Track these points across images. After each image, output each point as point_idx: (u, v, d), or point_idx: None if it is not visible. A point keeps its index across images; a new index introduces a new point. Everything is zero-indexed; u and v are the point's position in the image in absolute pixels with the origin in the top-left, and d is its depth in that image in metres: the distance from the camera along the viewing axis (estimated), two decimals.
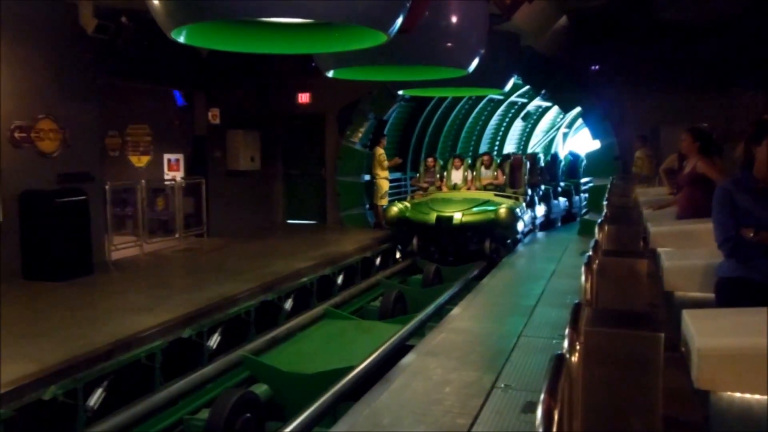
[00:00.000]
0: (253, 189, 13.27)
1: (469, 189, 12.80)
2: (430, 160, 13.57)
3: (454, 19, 6.74)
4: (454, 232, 11.05)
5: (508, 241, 11.30)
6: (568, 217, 15.06)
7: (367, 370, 5.85)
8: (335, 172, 13.58)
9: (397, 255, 11.80)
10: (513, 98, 18.33)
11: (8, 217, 8.00)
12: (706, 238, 3.84)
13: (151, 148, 12.66)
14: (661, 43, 11.27)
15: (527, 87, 15.79)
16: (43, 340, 5.67)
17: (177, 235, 10.98)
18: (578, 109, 13.63)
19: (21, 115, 8.19)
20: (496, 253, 11.01)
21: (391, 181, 13.75)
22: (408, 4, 5.14)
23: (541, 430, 1.54)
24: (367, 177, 13.61)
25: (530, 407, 4.13)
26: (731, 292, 3.40)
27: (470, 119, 17.87)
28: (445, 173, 13.20)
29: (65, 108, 8.76)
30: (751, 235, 3.29)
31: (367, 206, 13.59)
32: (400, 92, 11.84)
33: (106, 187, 9.60)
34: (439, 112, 16.12)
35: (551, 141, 23.08)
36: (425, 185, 13.26)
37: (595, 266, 3.32)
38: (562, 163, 15.80)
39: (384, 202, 12.97)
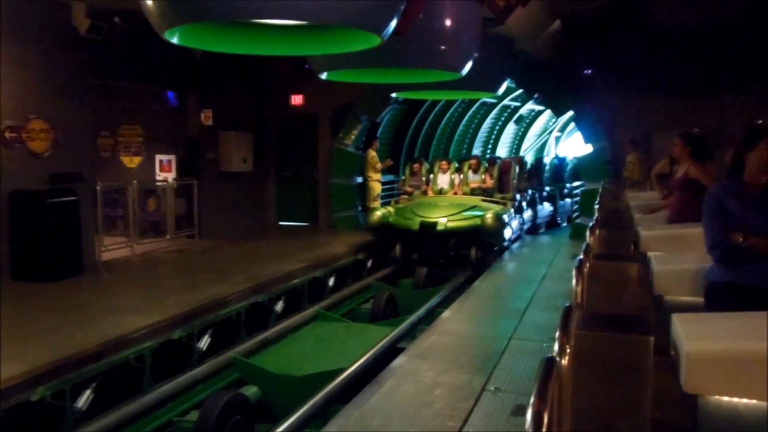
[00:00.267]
0: (246, 190, 13.25)
1: (456, 194, 12.39)
2: (416, 165, 13.14)
3: (447, 22, 6.76)
4: (439, 239, 10.61)
5: (495, 248, 10.84)
6: (553, 223, 14.45)
7: (358, 373, 5.85)
8: (328, 174, 13.57)
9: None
10: (506, 101, 18.36)
11: None
12: (696, 242, 3.86)
13: (143, 149, 12.63)
14: (653, 48, 11.33)
15: (520, 90, 15.83)
16: (32, 340, 5.63)
17: (168, 237, 10.94)
18: (571, 112, 13.67)
19: (12, 114, 8.14)
20: (482, 261, 10.57)
21: (383, 183, 13.76)
22: (402, 7, 5.15)
23: None
24: (359, 179, 13.60)
25: (520, 410, 4.13)
26: (720, 296, 3.42)
27: (463, 122, 17.90)
28: (431, 176, 12.80)
29: (57, 108, 8.71)
30: (741, 240, 3.31)
31: (360, 208, 13.58)
32: (394, 95, 11.87)
33: (97, 187, 9.56)
34: (432, 115, 16.13)
35: (544, 144, 23.15)
36: (410, 190, 12.86)
37: (586, 270, 3.33)
38: (547, 167, 15.19)
39: (376, 204, 12.95)
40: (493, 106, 18.33)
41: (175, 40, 5.10)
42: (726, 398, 2.35)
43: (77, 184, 8.84)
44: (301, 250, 10.47)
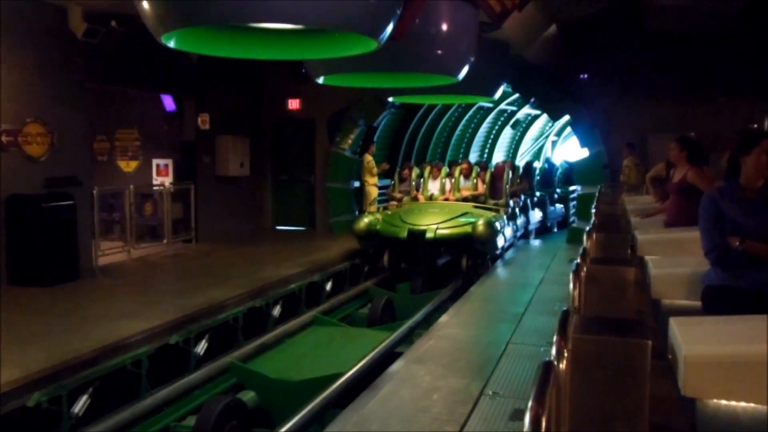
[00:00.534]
0: (243, 195, 13.24)
1: (447, 200, 11.97)
2: (405, 171, 12.79)
3: (444, 27, 6.77)
4: (428, 248, 10.15)
5: (488, 257, 10.33)
6: (543, 229, 14.18)
7: (355, 377, 5.84)
8: (325, 178, 13.57)
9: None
10: (502, 106, 18.39)
11: None
12: (693, 246, 3.87)
13: (140, 153, 12.62)
14: (649, 53, 11.38)
15: (516, 95, 15.85)
16: (28, 345, 5.61)
17: (165, 241, 10.92)
18: (567, 117, 13.69)
19: (8, 118, 8.13)
20: (473, 271, 10.11)
21: (380, 187, 13.75)
22: (398, 12, 5.16)
23: None
24: (356, 183, 13.60)
25: (518, 414, 4.13)
26: (717, 300, 3.43)
27: (460, 126, 17.92)
28: (421, 181, 12.43)
29: (53, 112, 8.70)
30: (737, 244, 3.32)
31: (357, 213, 13.58)
32: (390, 99, 11.87)
33: (94, 191, 9.53)
34: (429, 120, 16.16)
35: (540, 149, 23.19)
36: (399, 196, 12.45)
37: (583, 274, 3.33)
38: (537, 172, 14.92)
39: (373, 208, 12.93)
40: (489, 110, 18.36)
41: (171, 44, 5.10)
42: (724, 402, 2.35)
43: (74, 188, 8.83)
44: (298, 254, 10.46)
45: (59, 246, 8.26)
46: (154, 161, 12.44)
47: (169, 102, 12.00)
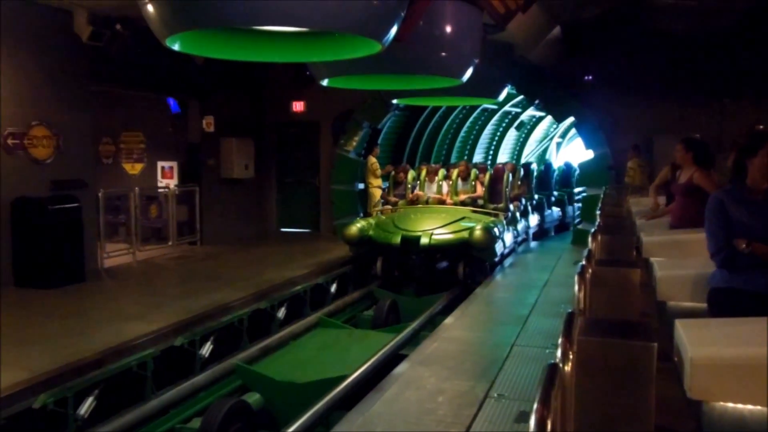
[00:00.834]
0: (247, 197, 13.27)
1: (443, 203, 11.41)
2: (401, 174, 12.27)
3: (448, 29, 6.76)
4: (423, 255, 9.64)
5: (486, 264, 9.80)
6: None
7: (360, 380, 5.84)
8: (329, 180, 13.58)
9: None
10: (507, 108, 18.40)
11: (1, 223, 7.97)
12: (698, 248, 3.85)
13: (145, 156, 12.66)
14: (654, 54, 11.35)
15: (521, 97, 15.85)
16: (34, 347, 5.63)
17: (170, 243, 10.95)
18: (572, 118, 13.68)
19: (14, 121, 8.17)
20: (471, 279, 9.61)
21: (384, 190, 13.73)
22: (402, 14, 5.16)
23: None
24: (361, 186, 13.60)
25: (523, 417, 4.12)
26: (724, 302, 3.41)
27: (464, 128, 17.92)
28: (417, 184, 11.91)
29: (59, 115, 8.74)
30: (744, 246, 3.31)
31: (361, 215, 13.57)
32: (395, 101, 11.86)
33: (99, 194, 9.58)
34: (433, 121, 16.16)
35: (545, 150, 23.17)
36: (394, 200, 11.90)
37: (588, 276, 3.32)
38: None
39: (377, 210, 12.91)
40: (494, 112, 18.36)
41: (176, 47, 5.11)
42: (731, 404, 2.34)
43: (79, 190, 8.86)
44: (303, 256, 10.47)
45: (65, 248, 8.29)
46: (159, 163, 12.48)
47: (173, 104, 12.04)
